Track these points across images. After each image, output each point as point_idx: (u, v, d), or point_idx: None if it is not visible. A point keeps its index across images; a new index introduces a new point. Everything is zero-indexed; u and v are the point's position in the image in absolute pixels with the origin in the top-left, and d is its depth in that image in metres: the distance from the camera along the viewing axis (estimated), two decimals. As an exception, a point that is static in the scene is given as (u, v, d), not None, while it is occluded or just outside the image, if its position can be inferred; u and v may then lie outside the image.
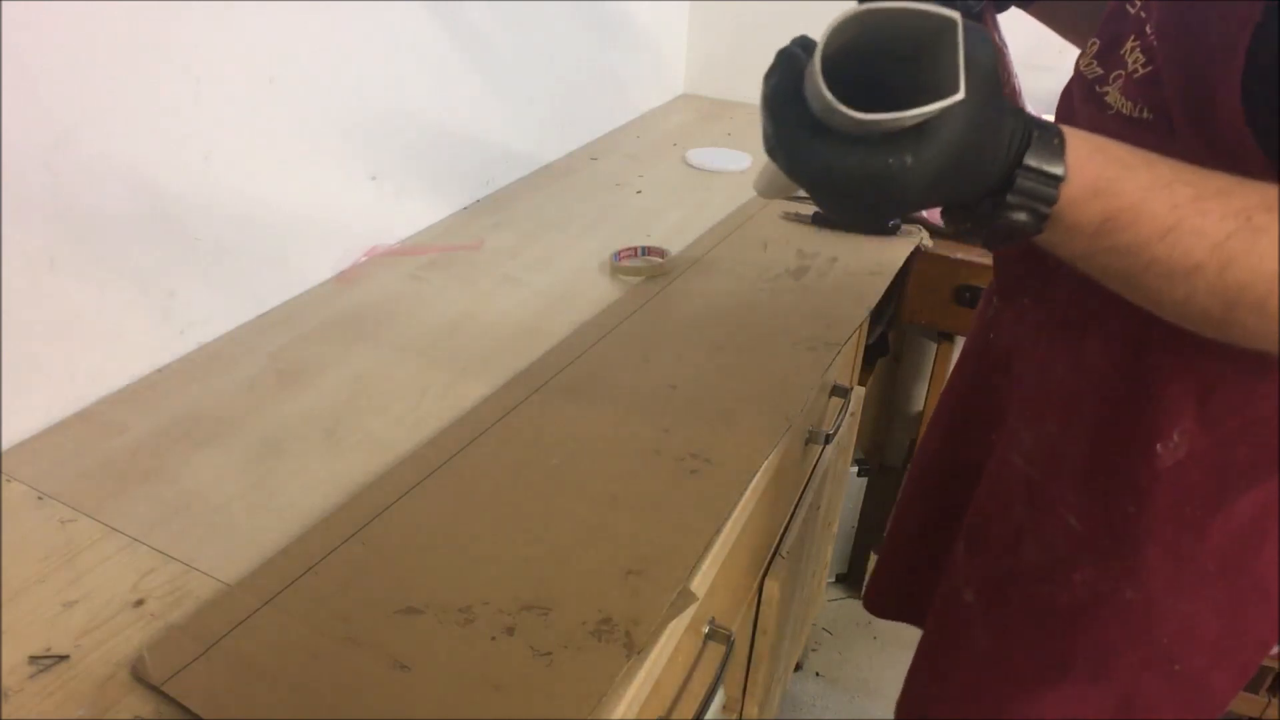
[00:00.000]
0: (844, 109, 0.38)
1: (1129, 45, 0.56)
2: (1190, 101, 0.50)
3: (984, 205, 0.45)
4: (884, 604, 1.02)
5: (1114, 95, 0.57)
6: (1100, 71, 0.59)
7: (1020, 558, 0.71)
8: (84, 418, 0.76)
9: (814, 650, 1.64)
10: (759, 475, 0.73)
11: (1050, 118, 0.53)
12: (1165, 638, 0.66)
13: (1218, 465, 0.60)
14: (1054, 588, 0.69)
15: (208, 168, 0.82)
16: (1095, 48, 0.60)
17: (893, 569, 1.00)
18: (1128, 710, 0.69)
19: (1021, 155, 0.43)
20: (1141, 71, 0.54)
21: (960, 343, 1.51)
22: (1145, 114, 0.54)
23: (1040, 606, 0.70)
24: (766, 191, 0.61)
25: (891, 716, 0.91)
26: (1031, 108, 0.54)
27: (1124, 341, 0.62)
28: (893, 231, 1.17)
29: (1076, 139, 0.44)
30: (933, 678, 0.84)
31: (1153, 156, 0.45)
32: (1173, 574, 0.63)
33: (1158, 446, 0.60)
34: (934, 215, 1.22)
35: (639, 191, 1.30)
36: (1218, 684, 0.68)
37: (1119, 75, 0.57)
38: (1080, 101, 0.61)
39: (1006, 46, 0.74)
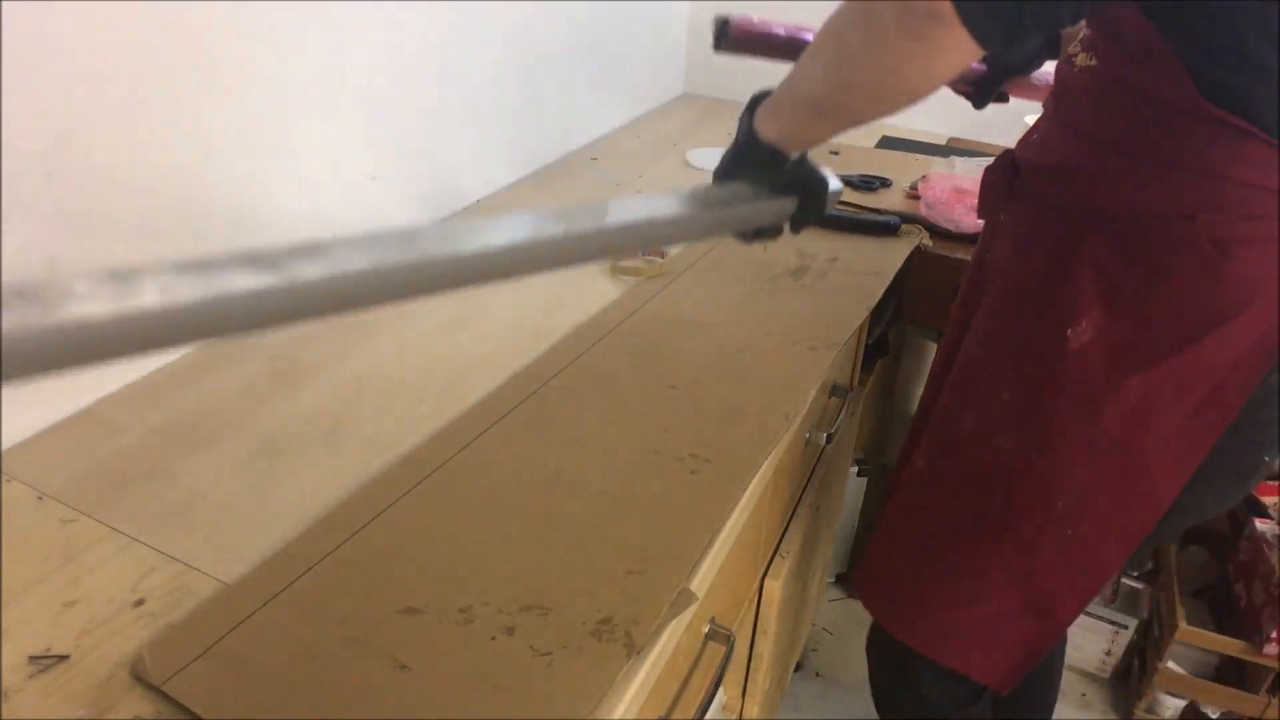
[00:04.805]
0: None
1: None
2: (1105, 30, 0.69)
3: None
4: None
5: (1080, 56, 0.74)
6: (1079, 48, 0.75)
7: (961, 426, 0.83)
8: (84, 418, 0.76)
9: (814, 650, 1.64)
10: (759, 475, 0.73)
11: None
12: (1062, 503, 0.76)
13: (1114, 351, 0.71)
14: (983, 450, 0.80)
15: (208, 167, 0.82)
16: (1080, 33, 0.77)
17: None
18: (1029, 570, 0.80)
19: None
20: (1087, 33, 0.73)
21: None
22: (1092, 61, 0.71)
23: (970, 468, 0.82)
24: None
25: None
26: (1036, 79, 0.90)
27: (1057, 243, 0.74)
28: (892, 231, 1.18)
29: (760, 116, 0.65)
30: (885, 535, 0.94)
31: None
32: (1073, 446, 0.74)
33: (1069, 332, 0.72)
34: (934, 216, 1.22)
35: (639, 191, 1.30)
36: (1106, 554, 0.79)
37: (1081, 41, 0.75)
38: (1061, 65, 0.78)
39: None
